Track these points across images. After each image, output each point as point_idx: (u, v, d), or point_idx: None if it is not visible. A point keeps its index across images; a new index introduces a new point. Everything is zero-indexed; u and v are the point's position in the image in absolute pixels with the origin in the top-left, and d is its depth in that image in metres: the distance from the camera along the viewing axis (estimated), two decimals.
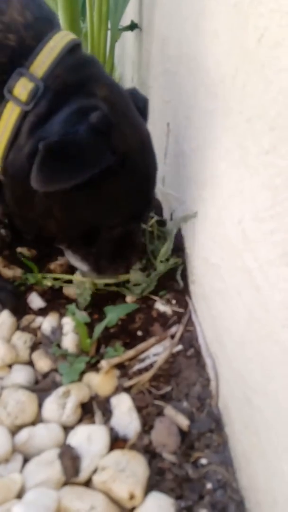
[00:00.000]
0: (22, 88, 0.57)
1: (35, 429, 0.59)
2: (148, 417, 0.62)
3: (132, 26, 1.36)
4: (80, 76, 0.60)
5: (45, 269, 0.87)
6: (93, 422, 0.62)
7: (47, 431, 0.59)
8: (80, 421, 0.62)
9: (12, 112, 0.59)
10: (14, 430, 0.60)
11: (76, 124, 0.56)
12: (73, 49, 0.62)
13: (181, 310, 0.78)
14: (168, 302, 0.79)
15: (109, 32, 1.36)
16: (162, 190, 1.10)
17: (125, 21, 1.48)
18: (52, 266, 0.88)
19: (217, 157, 0.66)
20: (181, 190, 0.91)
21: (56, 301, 0.81)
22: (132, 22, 1.37)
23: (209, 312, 0.69)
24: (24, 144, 0.59)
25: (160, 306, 0.79)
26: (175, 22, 0.90)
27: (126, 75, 1.95)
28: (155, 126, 1.19)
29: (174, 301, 0.79)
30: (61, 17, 1.18)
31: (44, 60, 0.58)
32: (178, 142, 0.91)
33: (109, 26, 1.34)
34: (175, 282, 0.82)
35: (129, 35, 1.59)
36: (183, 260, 0.84)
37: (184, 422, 0.60)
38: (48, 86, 0.58)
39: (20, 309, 0.80)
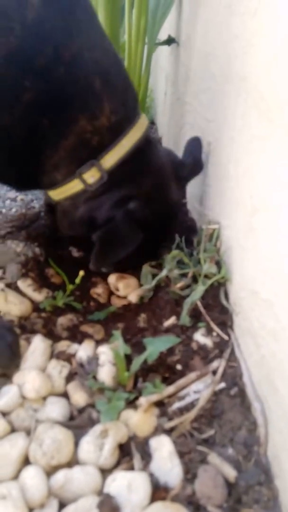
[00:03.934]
0: (91, 177, 0.74)
1: (72, 472, 0.55)
2: (190, 464, 0.58)
3: (170, 41, 1.33)
4: (134, 168, 0.77)
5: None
6: (131, 466, 0.58)
7: (84, 475, 0.55)
8: (117, 464, 0.58)
9: (75, 186, 0.76)
10: (49, 471, 0.56)
11: (119, 208, 0.76)
12: (139, 143, 0.77)
13: (222, 342, 0.73)
14: (209, 333, 0.75)
15: (145, 46, 1.34)
16: (199, 210, 1.06)
17: (161, 35, 1.45)
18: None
19: (270, 186, 0.62)
20: (223, 213, 0.87)
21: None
22: (169, 36, 1.34)
23: (257, 350, 0.64)
24: (78, 206, 0.79)
25: (200, 337, 0.75)
26: (223, 39, 0.87)
27: (158, 88, 1.92)
28: None
29: (214, 333, 0.75)
30: None
31: (113, 156, 0.73)
32: (221, 163, 0.87)
33: (146, 40, 1.32)
34: (215, 313, 0.77)
35: (164, 49, 1.57)
36: (225, 289, 0.80)
37: (231, 472, 0.56)
38: (110, 177, 0.75)
39: (53, 333, 0.78)
